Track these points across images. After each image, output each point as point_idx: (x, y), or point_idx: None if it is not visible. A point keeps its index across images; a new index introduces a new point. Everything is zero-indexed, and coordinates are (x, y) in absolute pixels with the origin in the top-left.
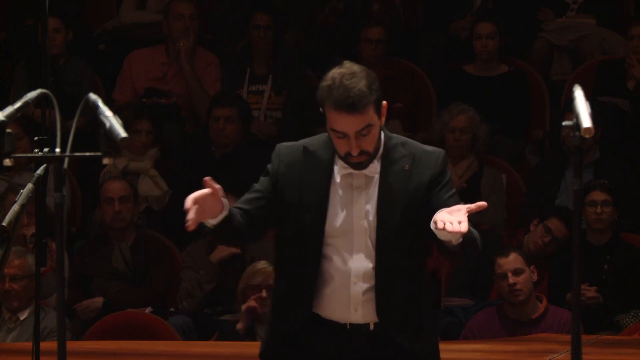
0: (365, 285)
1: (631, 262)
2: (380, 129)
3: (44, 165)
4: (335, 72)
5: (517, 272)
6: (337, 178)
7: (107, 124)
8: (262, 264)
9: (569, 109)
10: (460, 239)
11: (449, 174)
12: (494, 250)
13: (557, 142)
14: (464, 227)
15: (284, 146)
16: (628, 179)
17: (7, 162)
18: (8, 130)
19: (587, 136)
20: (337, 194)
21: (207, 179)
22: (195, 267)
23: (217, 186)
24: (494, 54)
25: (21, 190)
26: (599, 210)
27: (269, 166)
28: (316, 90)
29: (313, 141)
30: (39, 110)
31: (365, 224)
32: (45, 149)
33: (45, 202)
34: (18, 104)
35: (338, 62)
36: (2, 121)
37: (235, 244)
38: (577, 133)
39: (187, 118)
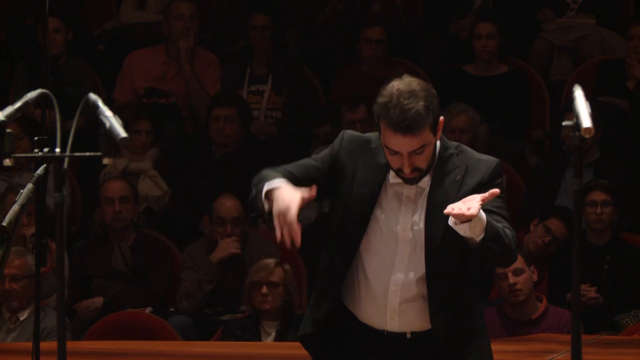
0: (403, 296)
1: (631, 262)
2: (436, 144)
3: (44, 165)
4: (393, 88)
5: (517, 272)
6: (389, 185)
7: (107, 124)
8: (266, 260)
9: (569, 109)
10: (482, 234)
11: (498, 182)
12: None
13: (557, 142)
14: (472, 211)
15: (348, 134)
16: (628, 179)
17: (7, 162)
18: (8, 130)
19: (587, 136)
20: (386, 200)
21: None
22: (195, 267)
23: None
24: (494, 54)
25: (21, 190)
26: (599, 210)
27: (331, 145)
28: (314, 89)
29: (377, 138)
30: (39, 110)
31: (411, 235)
32: (45, 149)
33: (45, 202)
34: (18, 104)
35: (398, 75)
36: (2, 121)
37: None
38: (577, 133)
39: (187, 118)
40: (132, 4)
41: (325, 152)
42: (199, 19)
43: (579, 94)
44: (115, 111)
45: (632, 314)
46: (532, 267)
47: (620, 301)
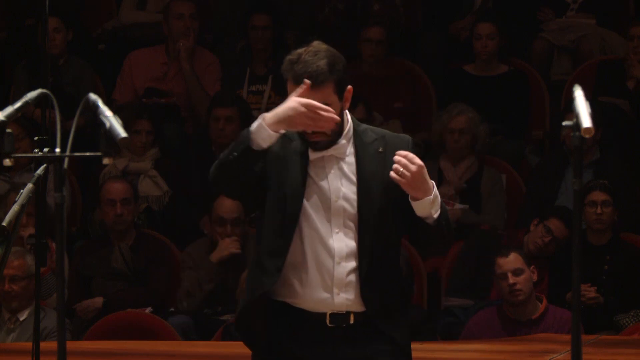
0: (348, 266)
1: (631, 262)
2: (346, 114)
3: (44, 165)
4: (301, 49)
5: (517, 272)
6: (310, 162)
7: (107, 124)
8: None
9: (569, 109)
10: (439, 212)
11: None
12: (494, 250)
13: (557, 142)
14: (414, 168)
15: None
16: (628, 179)
17: (7, 162)
18: (8, 130)
19: (587, 136)
20: (314, 174)
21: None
22: (195, 267)
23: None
24: (494, 54)
25: (21, 190)
26: (599, 210)
27: None
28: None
29: None
30: (39, 110)
31: (344, 204)
32: (45, 149)
33: (46, 202)
34: (18, 104)
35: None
36: (2, 121)
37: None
38: (577, 133)
39: (187, 118)
40: (132, 4)
41: None
42: (199, 19)
43: (579, 94)
44: (115, 111)
45: (632, 314)
46: (532, 267)
47: (620, 301)
